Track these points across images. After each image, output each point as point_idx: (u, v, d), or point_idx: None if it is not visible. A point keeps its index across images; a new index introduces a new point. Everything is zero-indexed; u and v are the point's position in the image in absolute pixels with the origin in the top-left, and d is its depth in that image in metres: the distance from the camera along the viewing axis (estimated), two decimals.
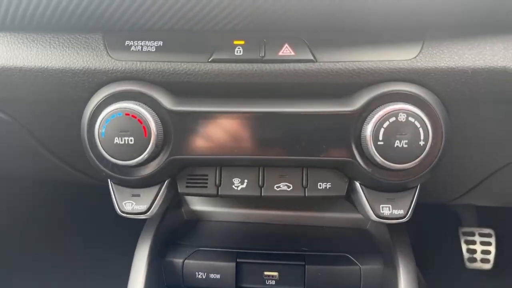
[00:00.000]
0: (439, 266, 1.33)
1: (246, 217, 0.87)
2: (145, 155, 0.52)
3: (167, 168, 0.55)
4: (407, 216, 0.56)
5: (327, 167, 0.57)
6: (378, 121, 0.50)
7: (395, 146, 0.50)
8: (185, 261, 0.74)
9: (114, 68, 0.52)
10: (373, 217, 0.56)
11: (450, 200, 0.84)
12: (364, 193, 0.56)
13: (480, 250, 1.37)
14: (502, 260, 1.37)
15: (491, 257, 1.35)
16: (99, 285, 1.24)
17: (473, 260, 1.36)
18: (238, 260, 0.74)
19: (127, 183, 0.57)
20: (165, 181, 0.58)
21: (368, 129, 0.51)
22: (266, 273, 0.74)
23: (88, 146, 0.55)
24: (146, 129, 0.52)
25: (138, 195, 0.58)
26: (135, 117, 0.52)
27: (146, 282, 0.68)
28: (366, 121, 0.51)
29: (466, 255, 1.36)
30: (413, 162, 0.51)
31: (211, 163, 0.58)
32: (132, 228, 0.79)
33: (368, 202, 0.56)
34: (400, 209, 0.56)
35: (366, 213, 0.56)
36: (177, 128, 0.54)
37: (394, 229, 0.74)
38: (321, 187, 0.58)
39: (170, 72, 0.52)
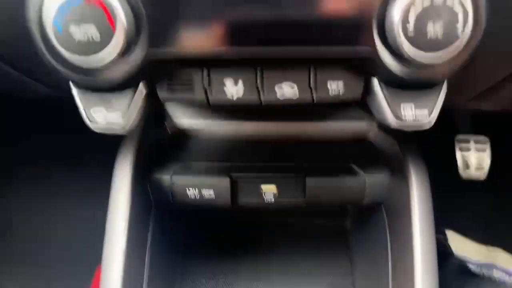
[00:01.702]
0: (433, 174, 1.31)
1: (238, 130, 0.78)
2: (112, 50, 0.41)
3: (142, 68, 0.45)
4: (432, 118, 0.48)
5: (339, 64, 0.47)
6: (408, 2, 0.39)
7: (428, 31, 0.41)
8: (173, 176, 0.67)
9: None
10: (392, 119, 0.48)
11: (459, 104, 0.77)
12: (383, 92, 0.47)
13: (475, 158, 1.35)
14: (496, 167, 1.36)
15: (486, 164, 1.34)
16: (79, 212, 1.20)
17: (467, 168, 1.35)
18: (232, 174, 0.67)
19: (94, 86, 0.47)
20: (140, 84, 0.47)
21: (396, 9, 0.40)
22: (263, 186, 0.68)
23: (42, 45, 0.43)
24: (112, 19, 0.40)
25: (109, 101, 0.48)
26: (98, 5, 0.40)
27: (131, 201, 0.61)
28: (392, 2, 0.40)
29: (460, 163, 1.34)
30: (447, 51, 0.42)
31: (196, 59, 0.47)
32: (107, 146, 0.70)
33: (387, 102, 0.47)
34: (424, 109, 0.48)
35: (385, 117, 0.48)
36: (151, 16, 0.42)
37: (402, 135, 0.67)
38: (332, 88, 0.48)
39: None
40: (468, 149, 1.34)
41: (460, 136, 1.36)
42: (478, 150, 1.34)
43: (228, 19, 0.42)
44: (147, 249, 0.66)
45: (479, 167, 1.33)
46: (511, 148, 1.40)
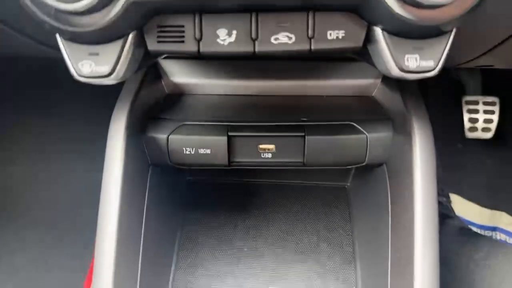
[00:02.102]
0: (439, 135, 1.28)
1: (236, 89, 0.76)
2: None
3: (128, 15, 0.42)
4: (437, 69, 0.45)
5: (340, 10, 0.44)
6: None
7: None
8: (170, 136, 0.65)
9: None
10: (396, 71, 0.45)
11: (468, 61, 0.73)
12: (386, 41, 0.44)
13: (482, 119, 1.31)
14: (503, 129, 1.32)
15: (493, 126, 1.31)
16: (78, 170, 1.20)
17: (474, 129, 1.32)
18: (229, 133, 0.65)
19: (79, 37, 0.44)
20: (129, 35, 0.45)
21: None
22: (261, 146, 0.66)
23: None
24: None
25: (97, 54, 0.45)
26: None
27: (126, 159, 0.60)
28: None
29: (467, 124, 1.31)
30: None
31: (187, 6, 0.44)
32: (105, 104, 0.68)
33: (390, 53, 0.44)
34: (430, 60, 0.45)
35: (388, 67, 0.45)
36: None
37: (407, 92, 0.64)
38: (332, 37, 0.45)
39: None
40: (476, 111, 1.31)
41: (468, 97, 1.33)
42: (486, 111, 1.30)
43: None
44: (145, 207, 0.66)
45: (486, 128, 1.30)
46: None
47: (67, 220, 1.32)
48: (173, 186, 0.80)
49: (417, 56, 0.44)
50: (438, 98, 1.36)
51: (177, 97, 0.76)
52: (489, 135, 1.31)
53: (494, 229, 1.39)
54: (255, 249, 0.77)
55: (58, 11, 0.40)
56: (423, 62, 0.44)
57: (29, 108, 1.41)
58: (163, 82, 0.76)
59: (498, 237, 1.38)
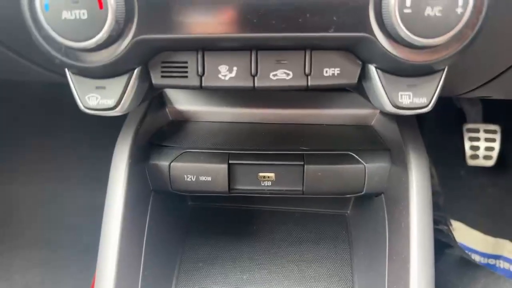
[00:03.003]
0: (440, 163, 1.29)
1: (238, 116, 0.78)
2: (103, 33, 0.41)
3: (134, 53, 0.44)
4: (430, 105, 0.47)
5: (335, 48, 0.46)
6: None
7: (426, 15, 0.39)
8: (172, 163, 0.67)
9: None
10: (390, 107, 0.46)
11: (464, 93, 0.75)
12: (380, 79, 0.46)
13: (483, 147, 1.32)
14: (505, 157, 1.33)
15: (494, 154, 1.31)
16: (86, 196, 1.21)
17: (475, 157, 1.32)
18: (230, 161, 0.66)
19: (87, 72, 0.46)
20: (134, 70, 0.47)
21: None
22: (261, 174, 0.67)
23: (31, 24, 0.42)
24: None
25: (103, 87, 0.47)
26: None
27: (128, 186, 0.61)
28: None
29: (468, 152, 1.32)
30: (446, 36, 0.40)
31: (190, 45, 0.46)
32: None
33: (384, 90, 0.46)
34: (422, 97, 0.46)
35: (382, 103, 0.47)
36: None
37: (404, 123, 0.66)
38: (328, 74, 0.47)
39: None
40: (478, 139, 1.32)
41: (469, 125, 1.34)
42: (487, 139, 1.31)
43: (221, 5, 0.41)
44: (145, 233, 0.67)
45: (487, 156, 1.30)
46: None
47: (67, 241, 1.33)
48: (174, 212, 0.81)
49: (410, 93, 0.46)
50: (440, 126, 1.37)
51: (180, 123, 0.78)
52: (490, 163, 1.31)
53: (497, 257, 1.38)
54: (256, 276, 0.77)
55: (68, 48, 0.43)
56: (416, 99, 0.46)
57: (34, 129, 1.44)
58: (167, 109, 0.78)
59: (502, 266, 1.36)
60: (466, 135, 1.32)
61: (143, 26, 0.42)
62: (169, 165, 0.67)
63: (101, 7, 0.40)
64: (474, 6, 0.40)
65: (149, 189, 0.69)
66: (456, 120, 1.36)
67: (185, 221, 0.85)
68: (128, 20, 0.42)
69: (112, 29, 0.41)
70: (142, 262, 0.65)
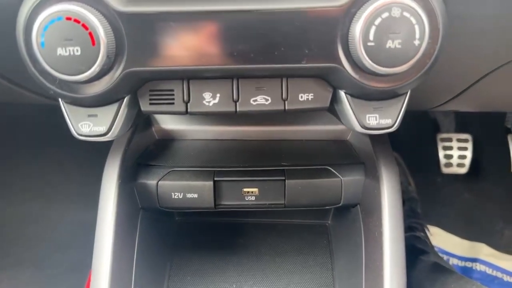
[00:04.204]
0: (417, 171, 1.35)
1: (221, 134, 0.82)
2: (95, 68, 0.44)
3: (124, 83, 0.48)
4: (395, 126, 0.52)
5: (309, 76, 0.51)
6: (370, 17, 0.43)
7: (387, 47, 0.44)
8: (159, 182, 0.70)
9: None
10: (359, 128, 0.51)
11: (434, 107, 0.80)
12: (349, 103, 0.50)
13: (457, 155, 1.39)
14: (477, 164, 1.40)
15: (467, 161, 1.38)
16: (73, 215, 1.22)
17: (449, 165, 1.39)
18: (215, 178, 0.70)
19: (80, 102, 0.50)
20: (124, 98, 0.50)
21: (358, 28, 0.43)
22: (245, 189, 0.71)
23: (28, 59, 0.46)
24: (93, 36, 0.43)
25: (95, 115, 0.51)
26: (79, 22, 0.43)
27: (118, 205, 0.64)
28: (355, 18, 0.44)
29: (443, 160, 1.39)
30: (406, 65, 0.45)
31: (176, 75, 0.50)
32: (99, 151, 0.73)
33: (353, 113, 0.51)
34: (388, 119, 0.51)
35: (351, 124, 0.51)
36: (130, 34, 0.45)
37: (376, 139, 0.71)
38: (303, 99, 0.51)
39: None
40: (451, 148, 1.39)
41: (443, 135, 1.41)
42: (460, 148, 1.38)
43: (204, 41, 0.45)
44: (135, 249, 0.70)
45: (460, 164, 1.37)
46: (492, 143, 1.44)
47: (55, 260, 1.33)
48: (162, 227, 0.84)
49: (377, 115, 0.51)
50: (416, 136, 1.44)
51: (166, 142, 0.81)
52: (463, 170, 1.38)
53: (474, 260, 1.44)
54: (243, 287, 0.81)
55: (62, 81, 0.46)
56: (382, 120, 0.51)
57: (21, 147, 1.44)
58: (153, 129, 0.81)
59: (478, 268, 1.42)
60: (440, 145, 1.39)
61: (132, 59, 0.46)
62: (157, 183, 0.70)
63: (93, 44, 0.43)
64: (430, 38, 0.45)
65: (138, 207, 0.72)
66: (430, 130, 1.43)
67: (173, 236, 0.88)
68: (118, 54, 0.46)
69: (103, 64, 0.44)
70: (133, 278, 0.68)
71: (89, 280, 1.12)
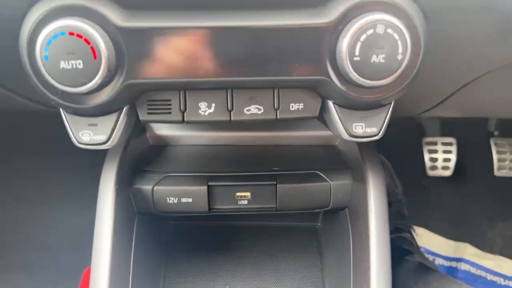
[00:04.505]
0: (404, 174, 1.40)
1: (215, 140, 0.84)
2: (97, 80, 0.46)
3: (124, 94, 0.50)
4: (380, 133, 0.55)
5: (300, 87, 0.54)
6: (356, 33, 0.46)
7: (372, 61, 0.47)
8: (155, 187, 0.72)
9: None
10: (346, 136, 0.54)
11: (419, 113, 0.84)
12: (337, 112, 0.54)
13: (441, 158, 1.44)
14: (461, 167, 1.45)
15: (451, 164, 1.43)
16: (65, 218, 1.23)
17: (435, 168, 1.43)
18: (209, 183, 0.72)
19: (81, 112, 0.52)
20: (123, 108, 0.53)
21: (344, 44, 0.46)
22: (238, 194, 0.74)
23: (31, 72, 0.48)
24: (95, 50, 0.45)
25: (95, 125, 0.53)
26: (81, 37, 0.45)
27: (115, 211, 0.66)
28: (342, 35, 0.47)
29: (428, 163, 1.43)
30: (389, 78, 0.48)
31: (173, 86, 0.53)
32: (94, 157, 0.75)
33: (341, 122, 0.54)
34: (373, 127, 0.54)
35: (339, 132, 0.54)
36: (130, 48, 0.47)
37: (363, 145, 0.74)
38: (294, 108, 0.54)
39: None
40: (436, 151, 1.44)
41: (428, 139, 1.46)
42: (445, 151, 1.43)
43: (201, 55, 0.48)
44: (132, 252, 0.72)
45: (445, 167, 1.42)
46: (476, 147, 1.49)
47: (46, 264, 1.34)
48: (157, 231, 0.86)
49: (363, 124, 0.54)
50: (403, 140, 1.48)
51: (160, 148, 0.84)
52: (448, 172, 1.43)
53: (459, 260, 1.48)
54: (237, 287, 0.83)
55: (64, 92, 0.48)
56: (368, 129, 0.54)
57: (13, 152, 1.45)
58: (147, 135, 0.84)
59: (463, 268, 1.47)
60: (426, 148, 1.44)
61: (132, 72, 0.48)
62: (152, 188, 0.72)
63: (95, 58, 0.46)
64: (412, 53, 0.48)
65: (134, 211, 0.74)
66: (416, 134, 1.47)
67: (168, 239, 0.90)
68: (118, 67, 0.48)
69: (104, 76, 0.47)
70: (130, 280, 0.70)
71: (82, 283, 1.14)
